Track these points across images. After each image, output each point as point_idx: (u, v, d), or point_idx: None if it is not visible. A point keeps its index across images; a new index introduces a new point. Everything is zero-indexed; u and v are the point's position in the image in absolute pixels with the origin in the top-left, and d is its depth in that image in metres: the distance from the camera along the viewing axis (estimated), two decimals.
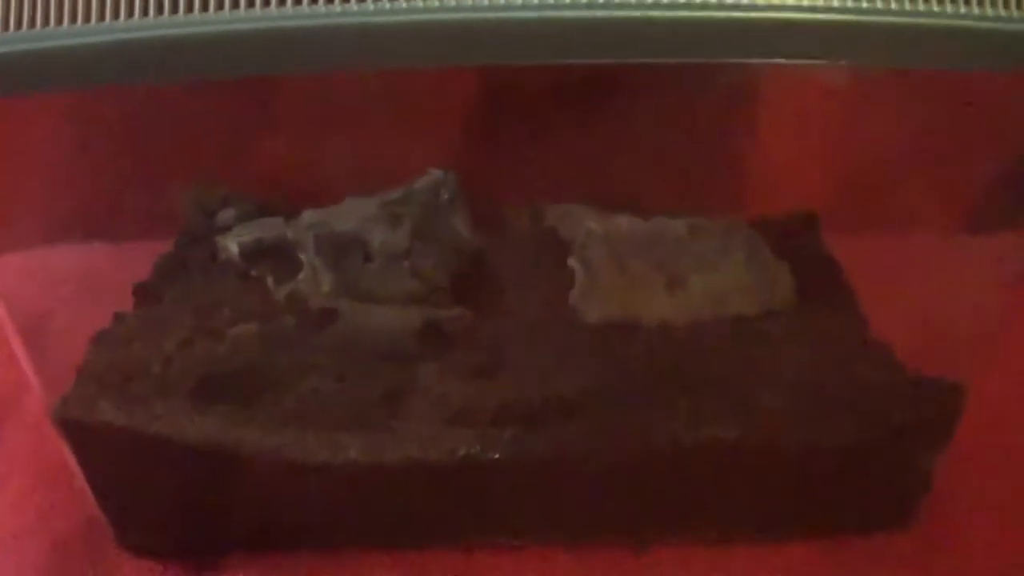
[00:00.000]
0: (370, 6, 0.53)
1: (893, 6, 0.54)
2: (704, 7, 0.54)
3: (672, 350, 0.78)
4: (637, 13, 0.53)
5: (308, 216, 0.84)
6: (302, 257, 0.82)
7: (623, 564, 0.75)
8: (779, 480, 0.75)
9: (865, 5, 0.54)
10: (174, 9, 0.54)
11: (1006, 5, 0.56)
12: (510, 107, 0.88)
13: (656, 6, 0.53)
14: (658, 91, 0.82)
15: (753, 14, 0.54)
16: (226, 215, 0.87)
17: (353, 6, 0.53)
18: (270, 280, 0.82)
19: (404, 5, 0.53)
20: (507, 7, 0.53)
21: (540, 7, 0.53)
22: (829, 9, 0.54)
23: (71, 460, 0.74)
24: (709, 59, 0.55)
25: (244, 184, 0.89)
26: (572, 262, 0.83)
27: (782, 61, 0.56)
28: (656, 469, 0.74)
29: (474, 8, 0.53)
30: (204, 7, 0.54)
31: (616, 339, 0.79)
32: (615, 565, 0.75)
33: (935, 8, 0.55)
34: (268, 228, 0.85)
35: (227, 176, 0.88)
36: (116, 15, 0.54)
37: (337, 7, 0.53)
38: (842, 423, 0.74)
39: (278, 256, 0.83)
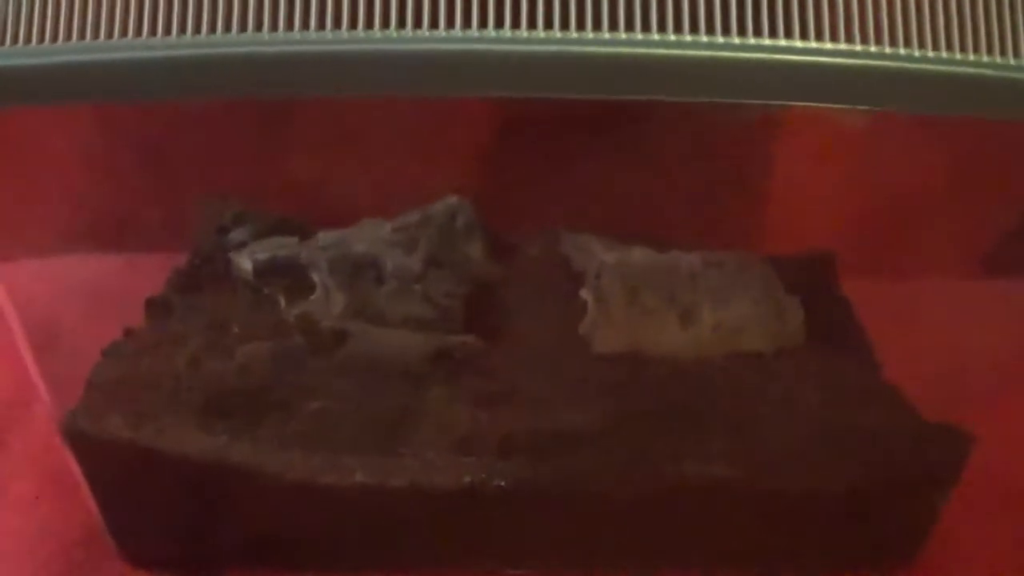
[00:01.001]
0: (392, 34, 0.53)
1: (916, 53, 0.54)
2: (721, 47, 0.53)
3: (681, 385, 0.78)
4: (654, 51, 0.53)
5: (323, 237, 0.84)
6: (315, 277, 0.82)
7: None
8: (784, 519, 0.75)
9: (888, 51, 0.54)
10: (197, 29, 0.54)
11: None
12: (527, 135, 0.88)
13: (668, 44, 0.53)
14: (677, 124, 0.82)
15: (775, 56, 0.54)
16: (240, 232, 0.87)
17: (371, 33, 0.53)
18: (282, 299, 0.82)
19: (427, 35, 0.53)
20: (525, 40, 0.53)
21: (560, 42, 0.53)
22: (851, 54, 0.54)
23: (76, 471, 0.74)
24: (722, 99, 0.55)
25: (260, 202, 0.89)
26: (584, 292, 0.83)
27: (802, 103, 0.55)
28: (661, 504, 0.73)
29: (495, 40, 0.53)
30: (227, 28, 0.54)
31: (625, 371, 0.78)
32: None
33: (957, 56, 0.55)
34: (282, 247, 0.85)
35: (243, 193, 0.88)
36: (139, 32, 0.54)
37: (361, 33, 0.53)
38: (848, 466, 0.74)
39: (291, 275, 0.83)
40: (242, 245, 0.86)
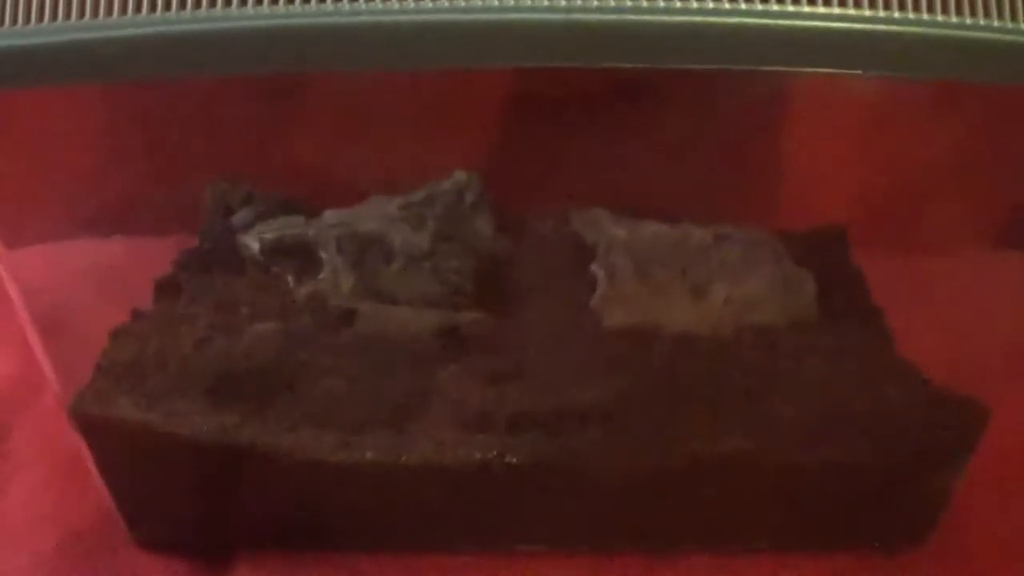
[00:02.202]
0: (394, 4, 0.52)
1: (925, 17, 0.53)
2: (732, 13, 0.53)
3: (693, 360, 0.77)
4: (659, 17, 0.53)
5: (330, 215, 0.84)
6: (323, 256, 0.81)
7: (639, 574, 0.74)
8: (796, 495, 0.74)
9: (897, 15, 0.53)
10: (197, 5, 0.53)
11: None
12: (536, 110, 0.87)
13: (675, 11, 0.52)
14: (687, 98, 0.81)
15: (782, 21, 0.53)
16: (247, 213, 0.87)
17: (370, 4, 0.53)
18: (290, 279, 0.82)
19: (431, 5, 0.52)
20: (533, 8, 0.52)
21: (567, 9, 0.52)
22: (856, 19, 0.53)
23: (86, 454, 0.73)
24: (730, 66, 0.54)
25: (267, 181, 0.88)
26: (595, 267, 0.82)
27: (809, 70, 0.55)
28: (673, 480, 0.73)
29: (501, 9, 0.52)
30: (227, 3, 0.53)
31: (637, 347, 0.78)
32: (631, 574, 0.74)
33: (967, 20, 0.54)
34: (290, 226, 0.84)
35: (250, 172, 0.88)
36: (139, 9, 0.53)
37: (362, 4, 0.53)
38: (862, 441, 0.73)
39: (299, 255, 0.82)
40: (250, 225, 0.86)
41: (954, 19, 0.54)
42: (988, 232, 0.83)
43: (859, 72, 0.56)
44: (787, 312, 0.81)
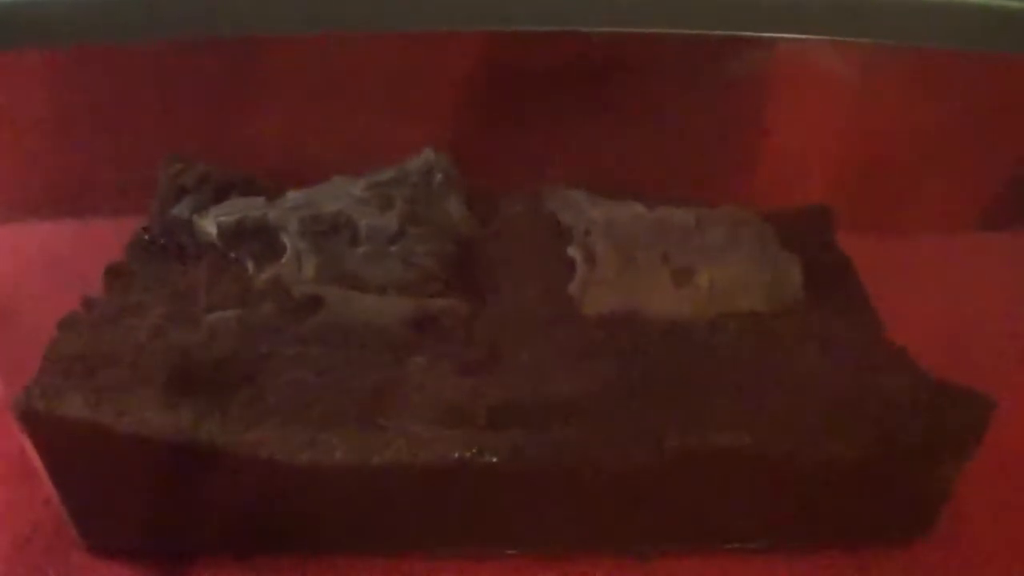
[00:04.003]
0: None
1: None
2: None
3: (678, 348, 0.74)
4: None
5: (292, 196, 0.80)
6: (285, 240, 0.77)
7: (628, 574, 0.71)
8: (788, 490, 0.71)
9: None
10: None
11: None
12: (509, 86, 0.84)
13: None
14: (666, 74, 0.79)
15: None
16: (203, 193, 0.82)
17: None
18: (250, 264, 0.77)
19: None
20: None
21: None
22: None
23: (33, 455, 0.69)
24: (715, 31, 0.53)
25: (224, 159, 0.84)
26: (572, 251, 0.78)
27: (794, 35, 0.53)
28: (663, 476, 0.69)
29: None
30: None
31: (618, 334, 0.74)
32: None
33: None
34: (249, 208, 0.80)
35: (207, 151, 0.83)
36: None
37: None
38: (856, 432, 0.70)
39: (259, 238, 0.78)
40: (206, 207, 0.81)
41: None
42: (975, 212, 0.81)
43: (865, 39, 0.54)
44: (774, 297, 0.78)
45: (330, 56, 0.75)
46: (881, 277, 0.80)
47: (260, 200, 0.80)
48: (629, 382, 0.71)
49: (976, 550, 0.73)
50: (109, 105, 0.81)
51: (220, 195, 0.82)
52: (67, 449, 0.68)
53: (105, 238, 0.80)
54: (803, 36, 0.54)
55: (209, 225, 0.79)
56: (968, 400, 0.70)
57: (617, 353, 0.73)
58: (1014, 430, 0.76)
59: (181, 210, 0.81)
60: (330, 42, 0.71)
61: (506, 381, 0.70)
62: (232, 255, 0.78)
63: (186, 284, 0.76)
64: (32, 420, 0.67)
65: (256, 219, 0.78)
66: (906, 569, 0.72)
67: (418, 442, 0.68)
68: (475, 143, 0.85)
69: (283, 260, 0.77)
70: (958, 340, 0.72)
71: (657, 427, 0.69)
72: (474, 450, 0.67)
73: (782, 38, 0.54)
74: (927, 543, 0.73)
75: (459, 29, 0.51)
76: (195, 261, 0.78)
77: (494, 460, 0.68)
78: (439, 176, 0.81)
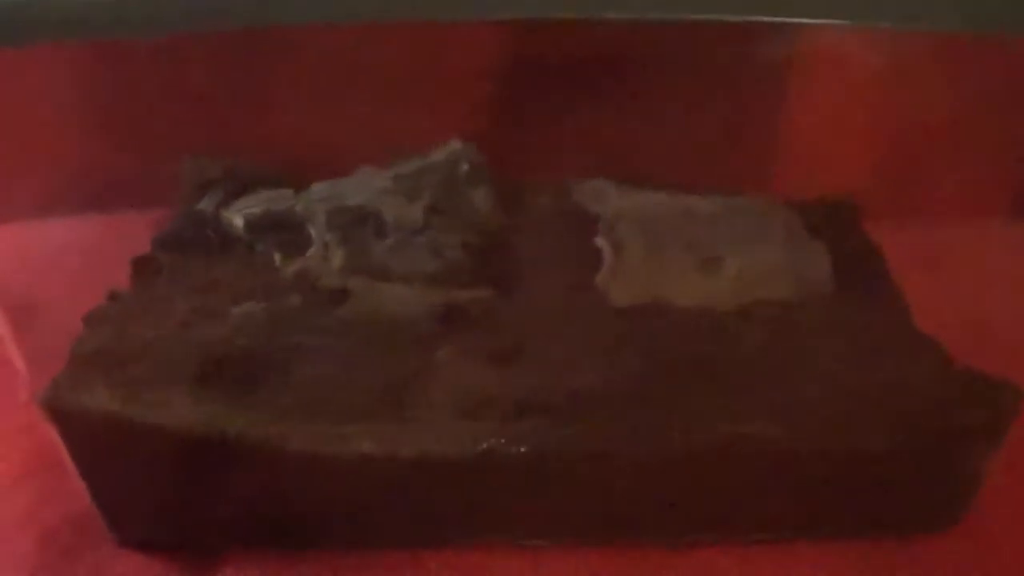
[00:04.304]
0: None
1: None
2: None
3: (705, 338, 0.73)
4: None
5: (317, 188, 0.80)
6: (311, 232, 0.77)
7: (655, 566, 0.70)
8: (819, 479, 0.70)
9: None
10: None
11: None
12: (535, 76, 0.83)
13: None
14: (692, 65, 0.78)
15: None
16: (229, 187, 0.82)
17: None
18: (277, 256, 0.77)
19: None
20: None
21: None
22: None
23: (61, 448, 0.69)
24: (737, 17, 0.53)
25: (250, 154, 0.83)
26: (599, 241, 0.78)
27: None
28: (689, 466, 0.69)
29: None
30: None
31: (646, 324, 0.74)
32: (647, 567, 0.70)
33: None
34: (276, 200, 0.80)
35: (231, 144, 0.83)
36: None
37: None
38: (884, 422, 0.69)
39: (286, 231, 0.78)
40: (231, 200, 0.81)
41: None
42: (1005, 200, 0.80)
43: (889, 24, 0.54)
44: (802, 286, 0.77)
45: (355, 48, 0.75)
46: (909, 266, 0.79)
47: (287, 192, 0.80)
48: (657, 372, 0.70)
49: (1007, 538, 0.72)
50: (134, 98, 0.80)
51: (245, 189, 0.82)
52: (95, 443, 0.68)
53: (131, 231, 0.80)
54: (827, 22, 0.54)
55: (235, 218, 0.79)
56: (997, 389, 0.69)
57: (644, 343, 0.72)
58: None
59: (207, 203, 0.81)
60: (354, 34, 0.71)
61: (533, 372, 0.70)
62: (259, 248, 0.78)
63: (212, 277, 0.76)
64: (60, 414, 0.67)
65: (282, 212, 0.78)
66: (937, 559, 0.71)
67: (444, 433, 0.67)
68: (501, 134, 0.85)
69: (310, 252, 0.77)
70: (987, 328, 0.71)
71: (685, 417, 0.68)
72: (502, 440, 0.67)
73: (806, 24, 0.54)
74: (957, 533, 0.72)
75: (486, 18, 0.51)
76: (221, 254, 0.78)
77: (522, 450, 0.67)
78: (465, 166, 0.81)
